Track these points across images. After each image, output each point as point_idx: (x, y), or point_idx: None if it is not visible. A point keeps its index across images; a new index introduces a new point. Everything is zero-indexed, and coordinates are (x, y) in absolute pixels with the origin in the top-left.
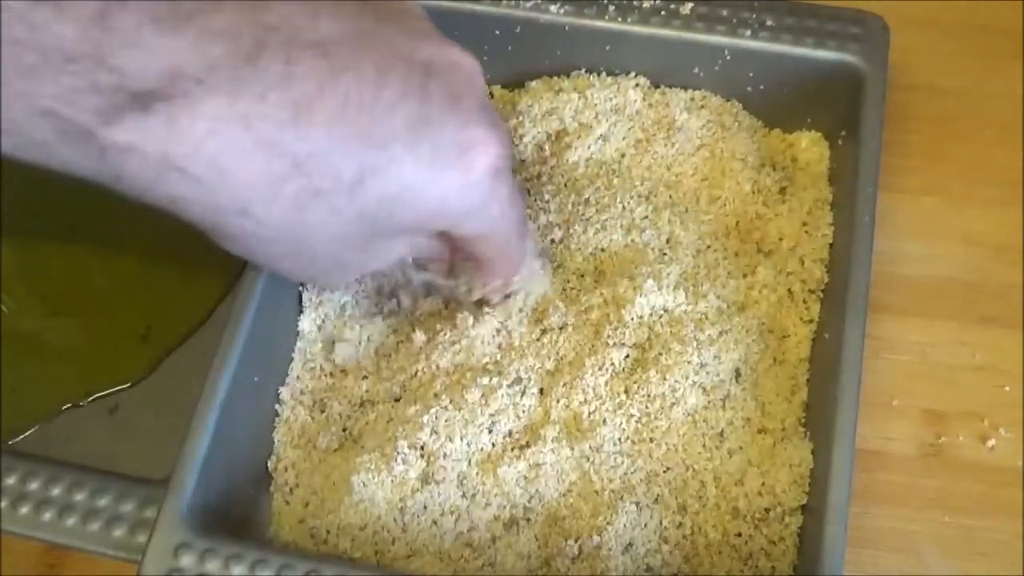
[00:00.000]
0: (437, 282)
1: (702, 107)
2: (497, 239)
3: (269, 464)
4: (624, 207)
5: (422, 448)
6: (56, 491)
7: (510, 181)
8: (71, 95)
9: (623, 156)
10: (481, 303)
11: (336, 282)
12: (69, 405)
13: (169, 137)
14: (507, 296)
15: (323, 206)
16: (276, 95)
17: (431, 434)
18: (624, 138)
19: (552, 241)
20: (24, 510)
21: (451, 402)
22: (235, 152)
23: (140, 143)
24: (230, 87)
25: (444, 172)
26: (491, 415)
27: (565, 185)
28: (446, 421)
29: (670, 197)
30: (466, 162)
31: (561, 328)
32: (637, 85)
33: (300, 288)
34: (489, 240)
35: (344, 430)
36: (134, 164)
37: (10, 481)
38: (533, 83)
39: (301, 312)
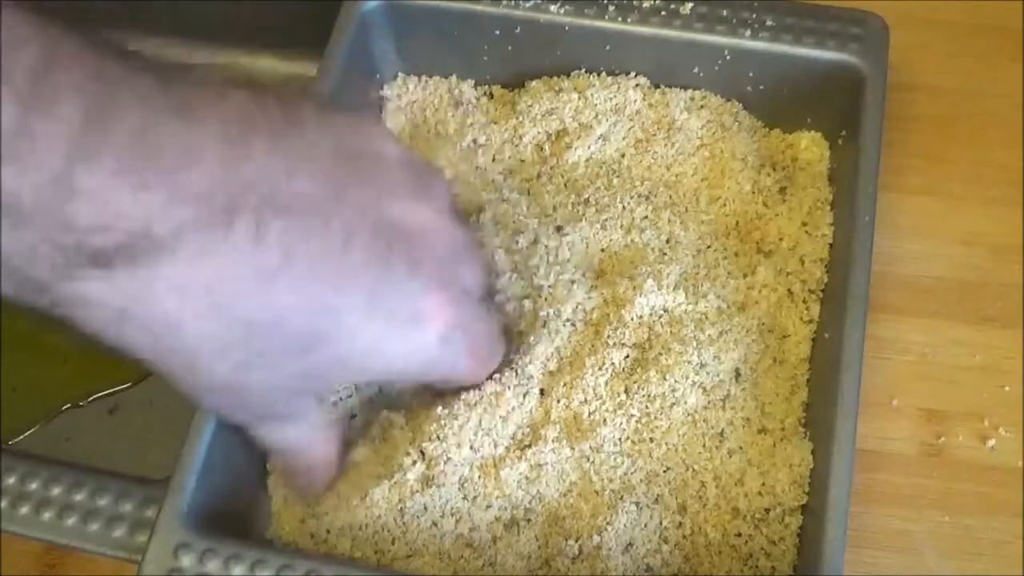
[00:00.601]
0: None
1: (702, 107)
2: (456, 380)
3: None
4: (624, 207)
5: (423, 453)
6: (56, 491)
7: (466, 336)
8: (29, 252)
9: (623, 156)
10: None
11: (257, 421)
12: (69, 405)
13: (128, 295)
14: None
15: (269, 367)
16: (244, 261)
17: (433, 439)
18: (624, 138)
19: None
20: (24, 510)
21: (453, 405)
22: (192, 314)
23: (98, 299)
24: (197, 253)
25: (395, 342)
26: (493, 419)
27: (565, 185)
28: (448, 425)
29: (670, 197)
30: (417, 334)
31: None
32: (637, 85)
33: None
34: (447, 380)
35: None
36: (89, 314)
37: (10, 481)
38: (533, 83)
39: None
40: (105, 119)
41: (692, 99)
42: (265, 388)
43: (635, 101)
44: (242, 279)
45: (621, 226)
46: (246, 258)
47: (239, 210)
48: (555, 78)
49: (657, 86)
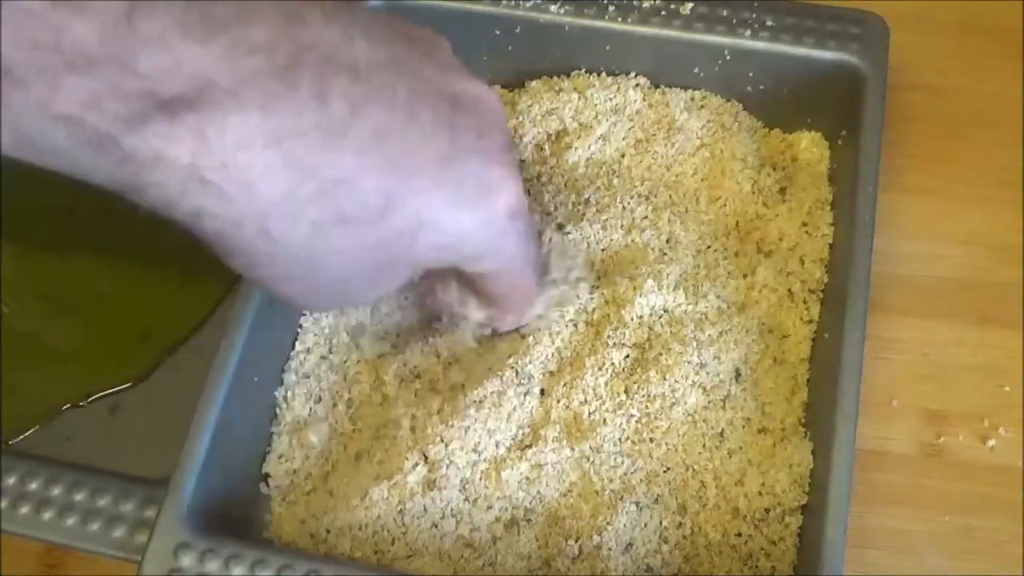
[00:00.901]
0: (455, 311)
1: (702, 107)
2: (510, 277)
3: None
4: (624, 207)
5: (425, 456)
6: (56, 491)
7: (526, 222)
8: (94, 100)
9: (623, 156)
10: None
11: (332, 308)
12: (69, 405)
13: (197, 148)
14: (518, 330)
15: (344, 233)
16: (310, 116)
17: (437, 442)
18: (624, 138)
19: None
20: (24, 510)
21: (454, 407)
22: (264, 169)
23: (166, 152)
24: (263, 102)
25: (466, 209)
26: (495, 420)
27: (565, 185)
28: (452, 428)
29: (670, 197)
30: (487, 201)
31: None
32: (637, 85)
33: None
34: (501, 277)
35: (345, 432)
36: (159, 174)
37: (10, 481)
38: (533, 83)
39: (301, 312)
40: None
41: (692, 99)
42: (341, 262)
43: (635, 101)
44: (309, 134)
45: (621, 226)
46: (312, 113)
47: (301, 66)
48: (555, 78)
49: (657, 86)
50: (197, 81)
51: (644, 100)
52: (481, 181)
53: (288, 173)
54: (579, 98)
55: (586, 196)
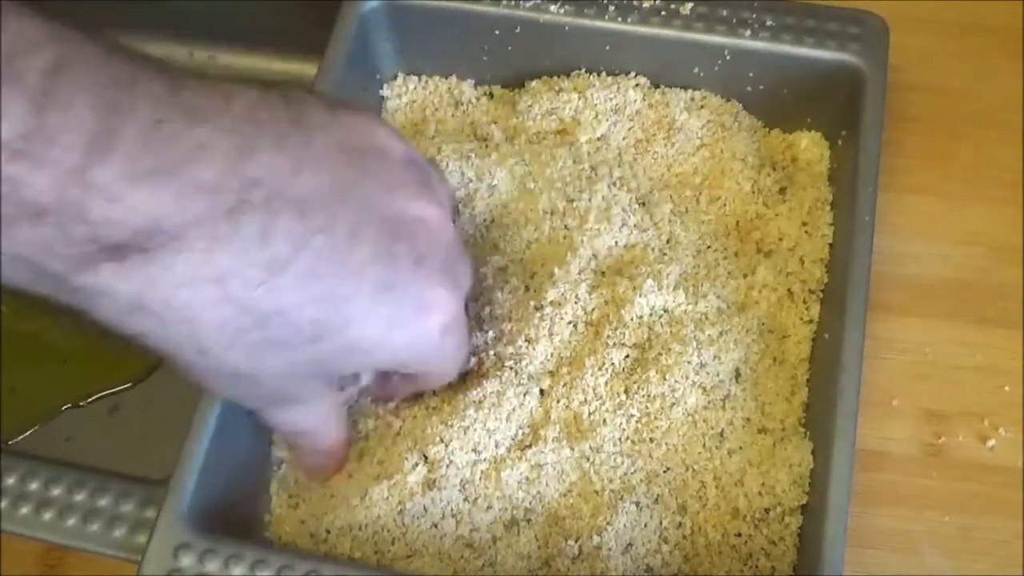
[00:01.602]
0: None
1: (702, 107)
2: (438, 375)
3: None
4: (624, 207)
5: (425, 457)
6: (56, 491)
7: (458, 331)
8: (45, 246)
9: (622, 156)
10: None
11: (275, 408)
12: (69, 405)
13: (141, 286)
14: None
15: (279, 354)
16: (252, 255)
17: (436, 443)
18: (624, 138)
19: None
20: (24, 510)
21: (453, 407)
22: (204, 304)
23: (111, 289)
24: (207, 244)
25: (400, 331)
26: (495, 420)
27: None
28: (451, 428)
29: (670, 197)
30: (421, 321)
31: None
32: (637, 85)
33: None
34: (429, 375)
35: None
36: (105, 304)
37: (10, 481)
38: (533, 83)
39: None
40: (117, 118)
41: (692, 99)
42: (276, 375)
43: (635, 101)
44: (251, 271)
45: (622, 226)
46: (254, 252)
47: (246, 206)
48: (555, 78)
49: (657, 86)
50: (146, 227)
51: (644, 100)
52: (417, 303)
53: (226, 308)
54: (579, 98)
55: (586, 197)
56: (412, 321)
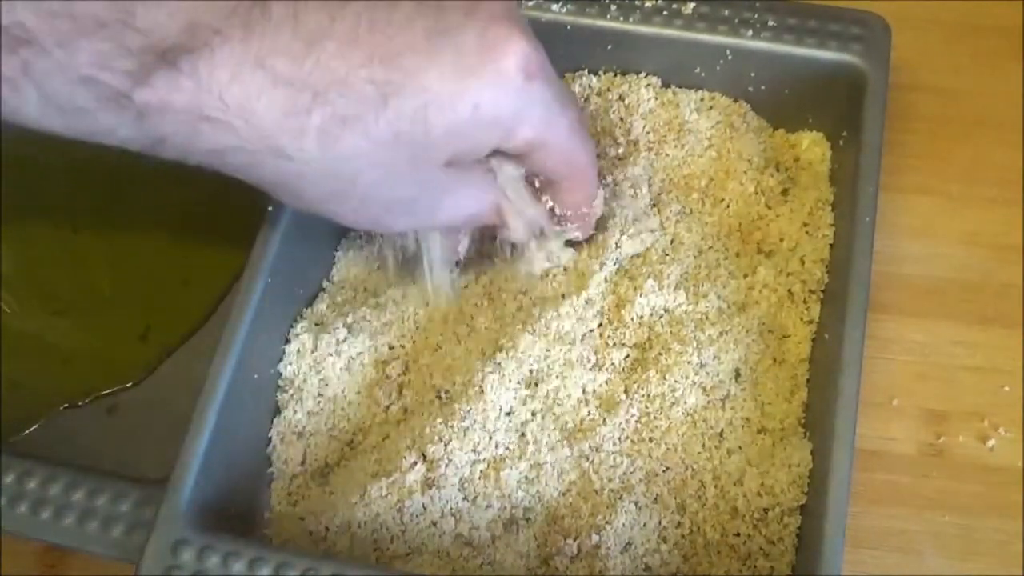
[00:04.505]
0: (527, 213)
1: (711, 108)
2: (556, 147)
3: (269, 463)
4: (630, 211)
5: (424, 455)
6: (54, 491)
7: (552, 82)
8: (105, 60)
9: (631, 157)
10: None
11: (400, 225)
12: (68, 405)
13: (196, 89)
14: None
15: (353, 132)
16: (287, 31)
17: (435, 441)
18: (633, 138)
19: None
20: (21, 509)
21: (454, 407)
22: (257, 93)
23: (172, 100)
24: (243, 31)
25: (470, 78)
26: (495, 419)
27: None
28: (450, 426)
29: (676, 198)
30: (492, 64)
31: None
32: (648, 85)
33: (298, 289)
34: (549, 150)
35: (344, 430)
36: (170, 122)
37: (7, 480)
38: None
39: (301, 311)
40: None
41: (702, 100)
42: (367, 167)
43: (647, 100)
44: (290, 45)
45: (627, 230)
46: (289, 26)
47: None
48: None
49: (668, 86)
50: (188, 27)
51: (656, 100)
52: (480, 43)
53: (280, 90)
54: (583, 98)
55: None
56: (481, 64)
